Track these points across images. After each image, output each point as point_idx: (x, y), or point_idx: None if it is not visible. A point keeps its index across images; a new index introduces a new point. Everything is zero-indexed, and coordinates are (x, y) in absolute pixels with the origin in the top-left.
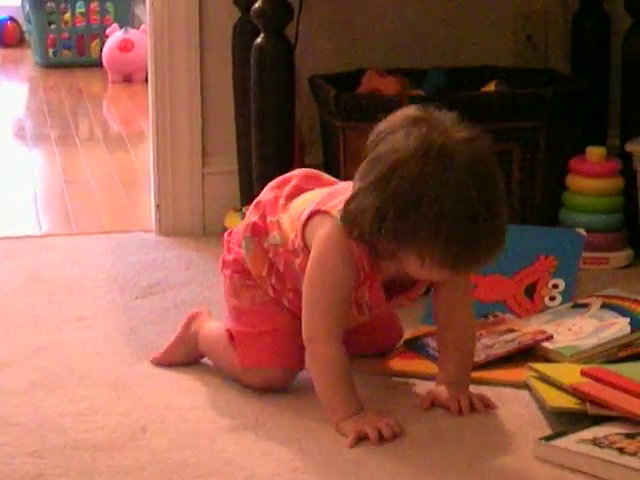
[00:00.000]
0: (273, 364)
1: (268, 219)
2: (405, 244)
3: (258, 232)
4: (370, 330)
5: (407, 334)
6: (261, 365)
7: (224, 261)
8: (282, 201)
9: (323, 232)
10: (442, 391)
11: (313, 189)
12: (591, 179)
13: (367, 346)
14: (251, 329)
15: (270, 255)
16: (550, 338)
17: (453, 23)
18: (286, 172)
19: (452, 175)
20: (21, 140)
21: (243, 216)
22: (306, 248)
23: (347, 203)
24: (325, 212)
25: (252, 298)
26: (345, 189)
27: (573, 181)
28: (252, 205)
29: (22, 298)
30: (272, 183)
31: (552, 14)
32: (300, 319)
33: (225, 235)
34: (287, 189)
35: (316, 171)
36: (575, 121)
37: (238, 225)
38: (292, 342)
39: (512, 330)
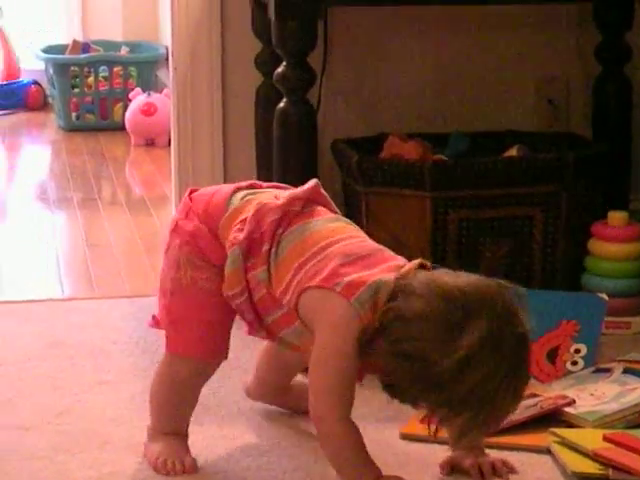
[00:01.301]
0: (205, 356)
1: (264, 248)
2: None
3: (252, 251)
4: None
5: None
6: (191, 355)
7: (178, 226)
8: (280, 230)
9: (337, 318)
10: (462, 456)
11: (311, 220)
12: (613, 244)
13: None
14: (184, 312)
15: (248, 281)
16: (572, 403)
17: (475, 87)
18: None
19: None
20: (44, 203)
21: None
22: (296, 311)
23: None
24: (339, 294)
25: (193, 279)
26: (352, 262)
27: (595, 245)
28: (254, 204)
29: (44, 362)
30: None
31: (573, 78)
32: (234, 313)
33: (187, 194)
34: (288, 216)
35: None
36: (597, 185)
37: (207, 190)
38: (225, 335)
39: (534, 395)
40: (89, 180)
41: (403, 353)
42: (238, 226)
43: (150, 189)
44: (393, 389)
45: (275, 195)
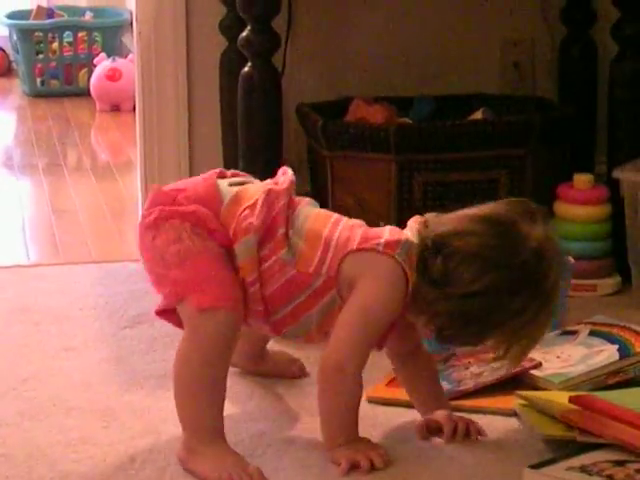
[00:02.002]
0: (229, 305)
1: (279, 232)
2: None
3: (267, 237)
4: None
5: None
6: (219, 304)
7: (175, 212)
8: (290, 212)
9: (384, 271)
10: (437, 414)
11: (302, 203)
12: (579, 206)
13: None
14: (206, 271)
15: (262, 272)
16: (539, 366)
17: (440, 51)
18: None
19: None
20: (9, 169)
21: None
22: (335, 278)
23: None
24: (384, 253)
25: (205, 246)
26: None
27: (560, 208)
28: (262, 195)
29: (9, 328)
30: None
31: (539, 41)
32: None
33: (155, 191)
34: (291, 200)
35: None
36: (562, 148)
37: (178, 184)
38: (238, 292)
39: None
40: (54, 146)
41: (478, 291)
42: (246, 212)
43: (115, 155)
44: (453, 336)
45: (273, 182)
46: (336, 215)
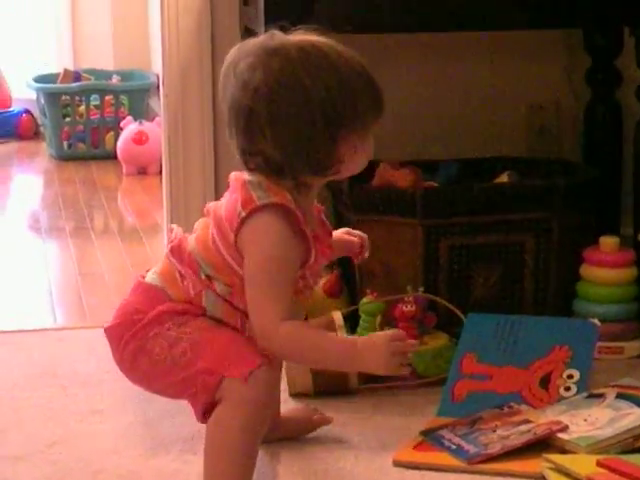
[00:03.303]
0: (265, 360)
1: (202, 276)
2: (339, 130)
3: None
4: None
5: (423, 426)
6: (256, 364)
7: (144, 327)
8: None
9: (253, 232)
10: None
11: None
12: (605, 269)
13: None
14: (218, 347)
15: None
16: (566, 429)
17: (466, 114)
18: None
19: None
20: (36, 232)
21: None
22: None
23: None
24: (244, 215)
25: (199, 328)
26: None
27: (587, 271)
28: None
29: (37, 391)
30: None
31: (564, 104)
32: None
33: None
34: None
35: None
36: (588, 211)
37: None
38: (254, 344)
39: (528, 421)
40: (81, 209)
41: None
42: (185, 282)
43: (142, 218)
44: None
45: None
46: (202, 221)
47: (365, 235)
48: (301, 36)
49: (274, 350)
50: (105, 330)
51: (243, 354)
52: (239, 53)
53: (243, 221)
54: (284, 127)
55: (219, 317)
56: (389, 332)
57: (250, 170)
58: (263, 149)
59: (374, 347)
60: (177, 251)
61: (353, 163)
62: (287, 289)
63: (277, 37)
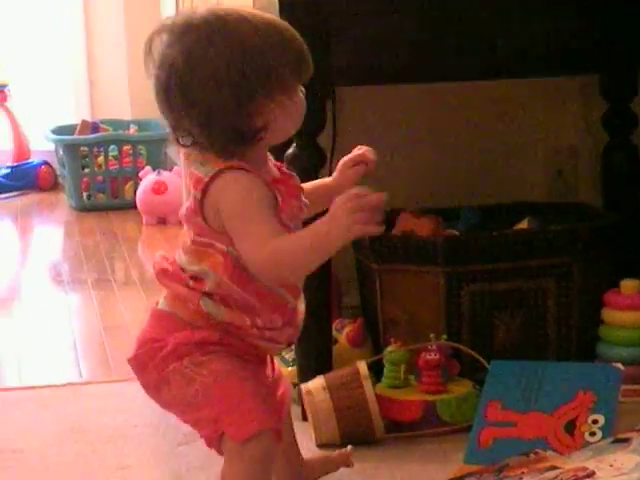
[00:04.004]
0: (267, 424)
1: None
2: (252, 98)
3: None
4: None
5: (450, 474)
6: (256, 429)
7: (164, 357)
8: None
9: (215, 190)
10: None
11: None
12: (626, 312)
13: None
14: (228, 400)
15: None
16: (592, 475)
17: (484, 161)
18: (325, 315)
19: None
20: (58, 285)
21: (282, 359)
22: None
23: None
24: (212, 176)
25: (215, 372)
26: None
27: (608, 315)
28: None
29: (64, 447)
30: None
31: (582, 148)
32: (263, 376)
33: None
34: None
35: None
36: (609, 255)
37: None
38: (270, 401)
39: (554, 467)
40: (102, 260)
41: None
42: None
43: None
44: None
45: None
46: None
47: (364, 149)
48: (211, 7)
49: (265, 272)
50: (128, 361)
51: (249, 413)
52: (154, 31)
53: (202, 195)
54: (196, 103)
55: (227, 321)
56: (345, 195)
57: (183, 146)
58: (186, 126)
59: (335, 217)
60: (162, 273)
61: (279, 128)
62: (270, 218)
63: (185, 13)
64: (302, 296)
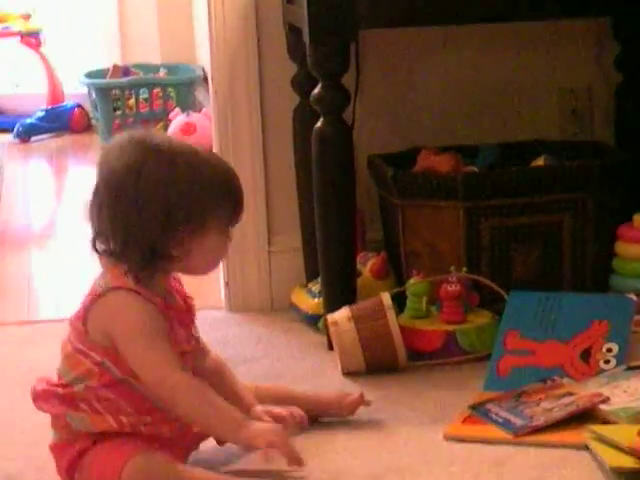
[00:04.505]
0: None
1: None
2: (202, 225)
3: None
4: None
5: (470, 400)
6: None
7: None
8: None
9: (110, 304)
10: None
11: None
12: (639, 245)
13: None
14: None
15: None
16: (607, 400)
17: (502, 100)
18: (350, 249)
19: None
20: None
21: (309, 291)
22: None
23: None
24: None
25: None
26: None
27: (621, 247)
28: None
29: None
30: None
31: (595, 89)
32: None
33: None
34: None
35: None
36: (622, 190)
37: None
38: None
39: (570, 393)
40: None
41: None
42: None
43: None
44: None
45: None
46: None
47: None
48: (158, 140)
49: (160, 399)
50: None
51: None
52: (104, 152)
53: (90, 306)
54: (121, 221)
55: (93, 430)
56: (274, 428)
57: (96, 252)
58: (108, 235)
59: (254, 430)
60: (37, 396)
61: (193, 265)
62: (167, 345)
63: (118, 140)
64: None
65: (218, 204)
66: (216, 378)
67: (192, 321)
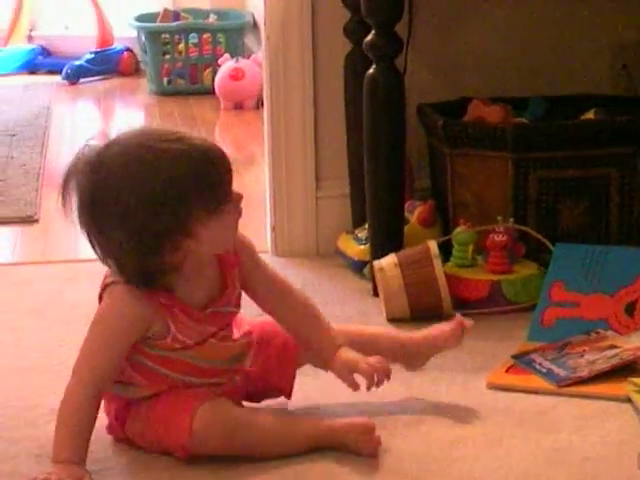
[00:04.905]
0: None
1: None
2: (185, 225)
3: None
4: (262, 372)
5: (514, 350)
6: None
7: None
8: None
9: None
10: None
11: None
12: None
13: (260, 386)
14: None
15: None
16: None
17: (553, 53)
18: (398, 197)
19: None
20: None
21: (355, 238)
22: None
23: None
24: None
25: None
26: None
27: None
28: None
29: None
30: None
31: None
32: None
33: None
34: None
35: None
36: None
37: None
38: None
39: (614, 346)
40: None
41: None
42: None
43: (239, 150)
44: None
45: None
46: None
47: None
48: (125, 144)
49: (67, 389)
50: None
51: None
52: (72, 167)
53: (100, 295)
54: (107, 241)
55: (138, 396)
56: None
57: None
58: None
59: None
60: None
61: (204, 252)
62: (106, 352)
63: (103, 150)
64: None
65: (195, 199)
66: (299, 321)
67: (232, 296)
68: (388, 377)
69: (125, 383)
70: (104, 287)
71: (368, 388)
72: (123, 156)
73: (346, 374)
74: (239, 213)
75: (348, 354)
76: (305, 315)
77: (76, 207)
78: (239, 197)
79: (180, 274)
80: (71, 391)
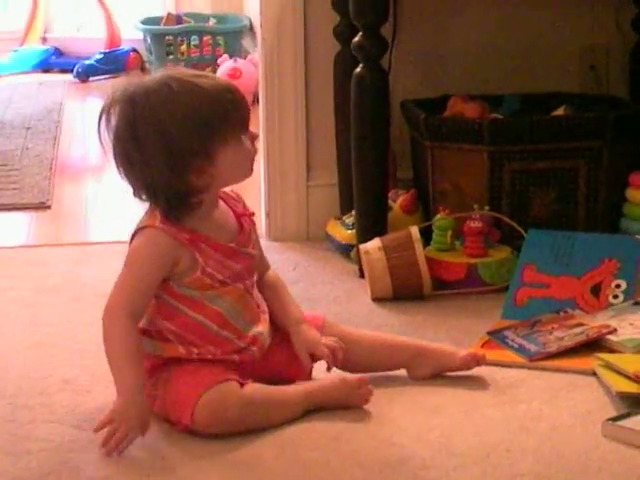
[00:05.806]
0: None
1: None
2: (208, 148)
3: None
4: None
5: (489, 327)
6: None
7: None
8: None
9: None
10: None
11: None
12: None
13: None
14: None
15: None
16: (614, 331)
17: (526, 54)
18: (382, 185)
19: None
20: None
21: (343, 223)
22: None
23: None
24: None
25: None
26: None
27: (632, 194)
28: None
29: None
30: None
31: (613, 47)
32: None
33: None
34: None
35: None
36: (634, 140)
37: None
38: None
39: (581, 324)
40: None
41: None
42: None
43: None
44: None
45: None
46: None
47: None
48: (157, 78)
49: (104, 324)
50: None
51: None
52: (108, 101)
53: (129, 244)
54: (136, 171)
55: (165, 355)
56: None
57: (141, 200)
58: (135, 185)
59: (126, 403)
60: None
61: (225, 179)
62: (138, 285)
63: (130, 86)
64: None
65: (221, 122)
66: (270, 292)
67: (248, 240)
68: (342, 353)
69: (153, 337)
70: (135, 233)
71: (328, 369)
72: (160, 84)
73: (303, 353)
74: (255, 150)
75: (308, 334)
76: (276, 287)
77: (114, 134)
78: (255, 134)
79: (200, 213)
80: (110, 328)
